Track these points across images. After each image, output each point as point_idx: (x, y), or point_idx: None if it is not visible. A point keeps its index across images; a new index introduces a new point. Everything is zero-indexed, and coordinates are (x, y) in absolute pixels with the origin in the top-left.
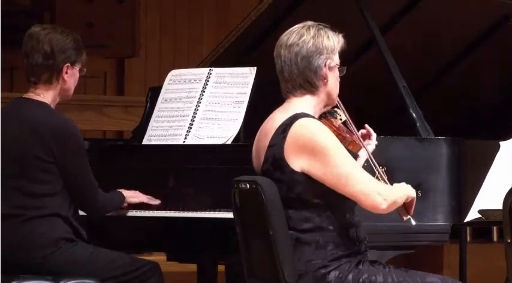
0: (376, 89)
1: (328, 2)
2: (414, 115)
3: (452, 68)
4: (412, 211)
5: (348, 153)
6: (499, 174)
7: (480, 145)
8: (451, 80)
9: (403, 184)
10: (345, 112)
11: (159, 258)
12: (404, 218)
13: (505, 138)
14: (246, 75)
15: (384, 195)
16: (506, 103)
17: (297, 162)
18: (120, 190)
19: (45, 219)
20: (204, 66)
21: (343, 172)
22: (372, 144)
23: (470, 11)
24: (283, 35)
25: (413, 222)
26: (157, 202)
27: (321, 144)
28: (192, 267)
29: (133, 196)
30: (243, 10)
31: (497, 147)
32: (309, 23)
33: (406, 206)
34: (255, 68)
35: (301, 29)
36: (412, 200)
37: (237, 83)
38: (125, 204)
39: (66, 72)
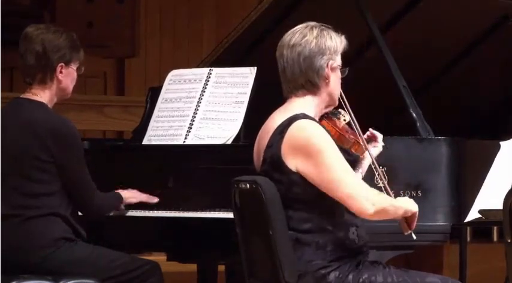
0: (376, 89)
1: (327, 2)
2: (414, 115)
3: (452, 68)
4: (413, 226)
5: (343, 158)
6: (499, 174)
7: (480, 145)
8: (451, 80)
9: (406, 198)
10: (351, 113)
11: (159, 258)
12: (406, 233)
13: (505, 138)
14: (246, 75)
15: (372, 200)
16: (506, 103)
17: (293, 163)
18: (118, 190)
19: (44, 218)
20: (204, 66)
21: (334, 177)
22: (377, 146)
23: (470, 11)
24: (286, 34)
25: (414, 237)
26: (155, 200)
27: (315, 147)
28: (192, 267)
29: (131, 196)
30: (243, 10)
31: (497, 147)
32: (312, 23)
33: (407, 221)
34: (255, 68)
35: (304, 29)
36: (413, 215)
37: (237, 83)
38: (122, 207)
39: (61, 72)
